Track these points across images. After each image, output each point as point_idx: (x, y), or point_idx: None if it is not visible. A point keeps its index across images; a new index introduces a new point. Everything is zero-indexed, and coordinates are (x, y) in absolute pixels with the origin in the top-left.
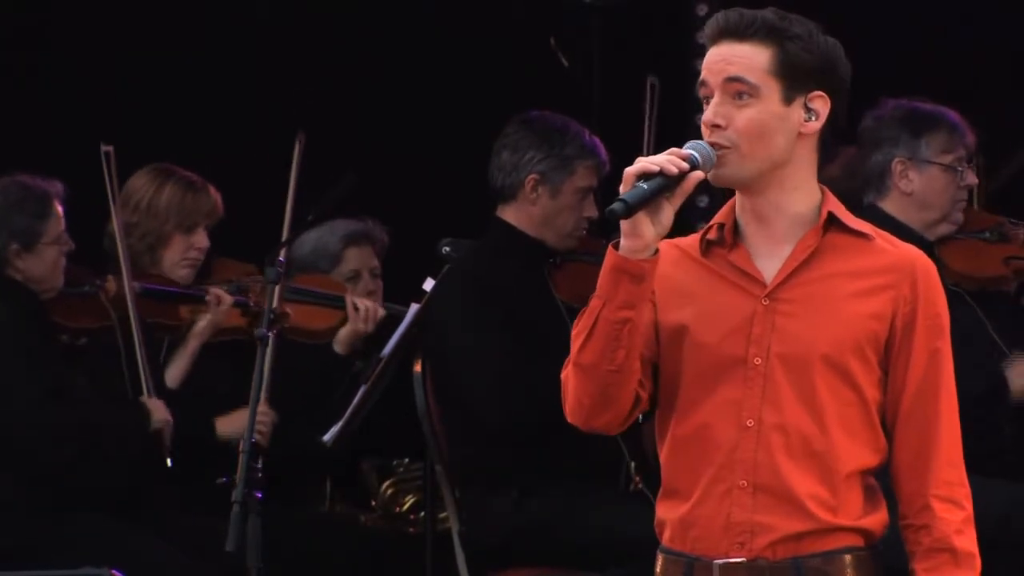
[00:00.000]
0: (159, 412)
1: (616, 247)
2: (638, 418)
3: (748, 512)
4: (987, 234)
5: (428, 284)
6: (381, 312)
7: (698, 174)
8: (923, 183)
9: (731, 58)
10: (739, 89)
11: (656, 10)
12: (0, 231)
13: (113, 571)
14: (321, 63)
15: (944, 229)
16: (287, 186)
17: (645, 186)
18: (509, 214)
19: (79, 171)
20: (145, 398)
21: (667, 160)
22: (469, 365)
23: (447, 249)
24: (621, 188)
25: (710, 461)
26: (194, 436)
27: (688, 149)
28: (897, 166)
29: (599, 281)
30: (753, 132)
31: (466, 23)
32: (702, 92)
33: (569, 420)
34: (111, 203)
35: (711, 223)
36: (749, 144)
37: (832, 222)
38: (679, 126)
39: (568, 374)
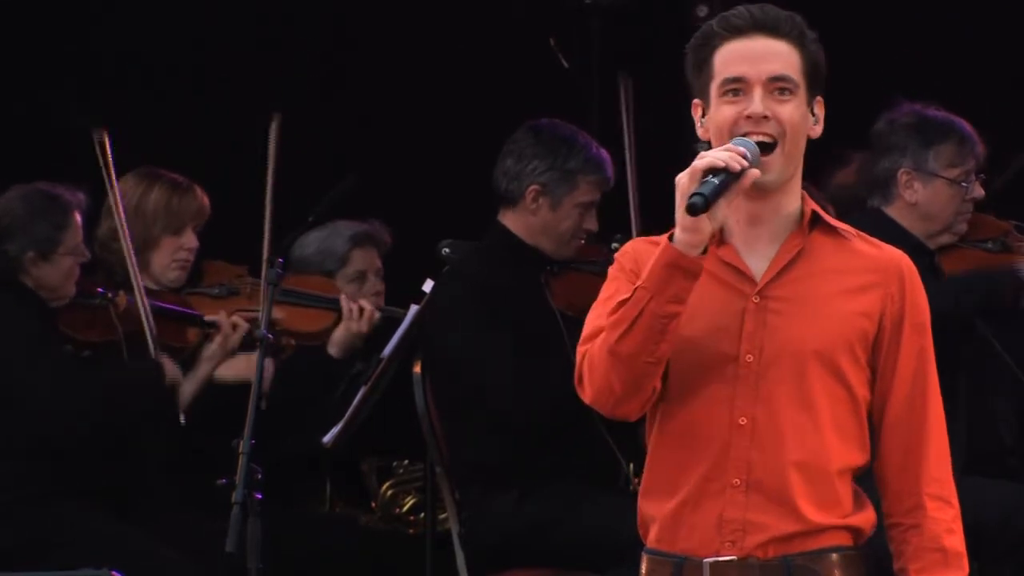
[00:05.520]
0: (171, 369)
1: (670, 240)
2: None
3: (741, 511)
4: (989, 244)
5: (428, 285)
6: (376, 313)
7: (755, 171)
8: (927, 195)
9: (771, 54)
10: (782, 86)
11: (656, 10)
12: (20, 238)
13: (113, 571)
14: (321, 64)
15: (946, 239)
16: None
17: (716, 181)
18: (509, 220)
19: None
20: (156, 355)
21: (731, 157)
22: (477, 365)
23: (447, 251)
24: (684, 180)
25: (701, 458)
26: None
27: (739, 146)
28: (903, 176)
29: (648, 274)
30: (795, 127)
31: (466, 23)
32: (731, 86)
33: (590, 403)
34: (109, 190)
35: None
36: (792, 140)
37: (816, 221)
38: (677, 126)
39: (593, 358)
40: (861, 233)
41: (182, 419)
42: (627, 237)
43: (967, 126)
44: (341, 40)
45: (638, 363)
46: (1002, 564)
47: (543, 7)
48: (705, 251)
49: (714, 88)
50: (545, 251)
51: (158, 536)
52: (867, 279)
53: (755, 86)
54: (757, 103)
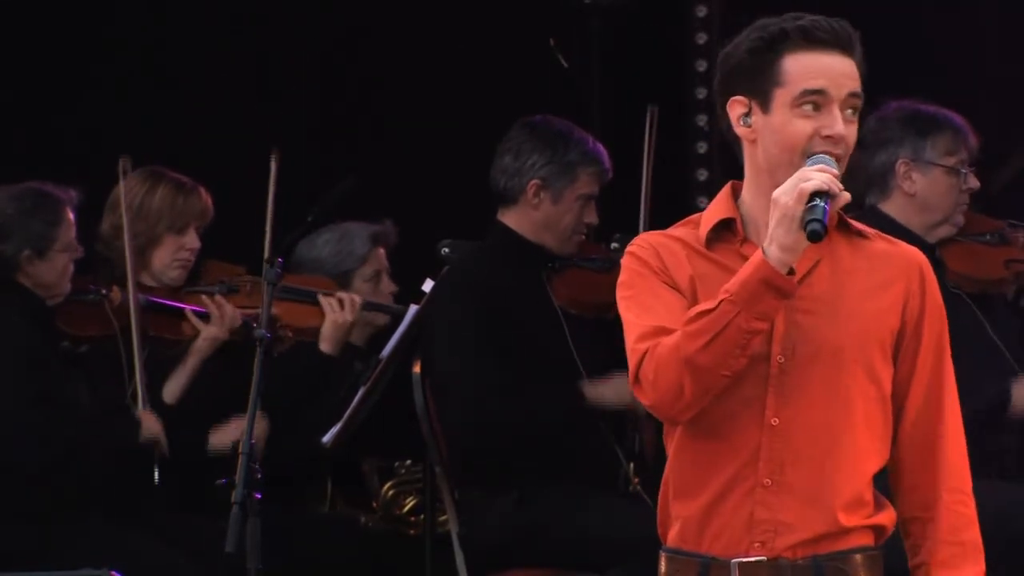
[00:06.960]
0: (151, 425)
1: (763, 255)
2: (637, 420)
3: (772, 511)
4: (987, 237)
5: (427, 285)
6: (359, 300)
7: (847, 195)
8: (926, 185)
9: (850, 73)
10: (855, 105)
11: (656, 10)
12: (15, 237)
13: (112, 572)
14: (322, 64)
15: (945, 231)
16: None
17: (825, 205)
18: (510, 218)
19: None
20: (138, 410)
21: (830, 180)
22: (461, 369)
23: (446, 250)
24: (790, 202)
25: (731, 458)
26: (186, 453)
27: (829, 166)
28: (901, 167)
29: (737, 288)
30: (852, 149)
31: (466, 24)
32: (811, 98)
33: (649, 405)
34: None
35: (710, 217)
36: (847, 161)
37: (837, 222)
38: (679, 126)
39: (661, 362)
40: (876, 231)
41: (156, 478)
42: (628, 236)
43: (959, 117)
44: (341, 39)
45: (715, 375)
46: (997, 566)
47: (543, 7)
48: (792, 271)
49: (784, 96)
50: (548, 247)
51: (158, 536)
52: (887, 275)
53: (834, 104)
54: (840, 124)
